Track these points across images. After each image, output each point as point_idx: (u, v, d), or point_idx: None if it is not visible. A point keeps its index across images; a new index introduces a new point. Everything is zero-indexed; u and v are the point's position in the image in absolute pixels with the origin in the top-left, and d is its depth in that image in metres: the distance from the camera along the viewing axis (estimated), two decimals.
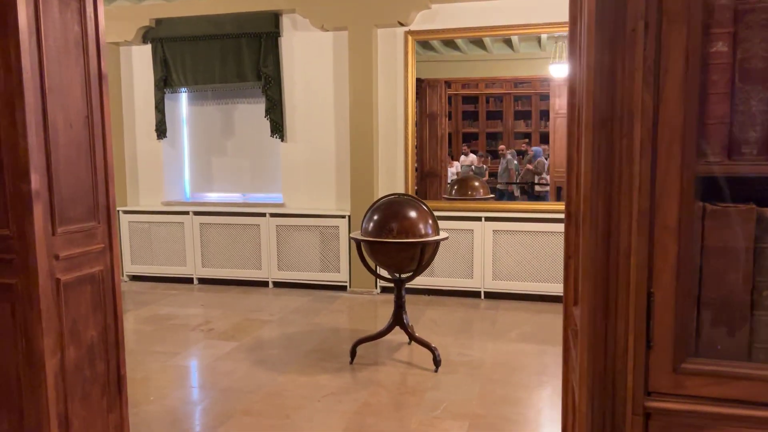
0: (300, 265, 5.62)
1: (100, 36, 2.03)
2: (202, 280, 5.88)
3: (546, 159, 6.26)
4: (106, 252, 2.08)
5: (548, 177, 6.34)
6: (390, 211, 3.56)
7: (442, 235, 3.59)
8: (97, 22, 2.02)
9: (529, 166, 6.22)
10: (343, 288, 5.51)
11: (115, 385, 2.13)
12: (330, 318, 4.68)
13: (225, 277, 5.82)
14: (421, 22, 5.21)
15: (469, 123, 6.76)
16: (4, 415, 1.86)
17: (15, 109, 1.74)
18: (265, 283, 5.73)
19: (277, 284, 5.70)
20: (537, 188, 6.38)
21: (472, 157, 6.38)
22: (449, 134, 6.37)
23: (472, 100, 6.70)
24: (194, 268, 5.87)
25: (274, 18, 5.58)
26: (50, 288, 1.83)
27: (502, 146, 6.50)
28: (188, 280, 5.88)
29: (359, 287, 5.43)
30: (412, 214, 3.52)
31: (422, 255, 3.49)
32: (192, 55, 5.80)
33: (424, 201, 3.69)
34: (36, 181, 1.78)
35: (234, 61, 5.72)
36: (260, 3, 5.50)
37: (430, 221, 3.55)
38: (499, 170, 6.35)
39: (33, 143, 1.77)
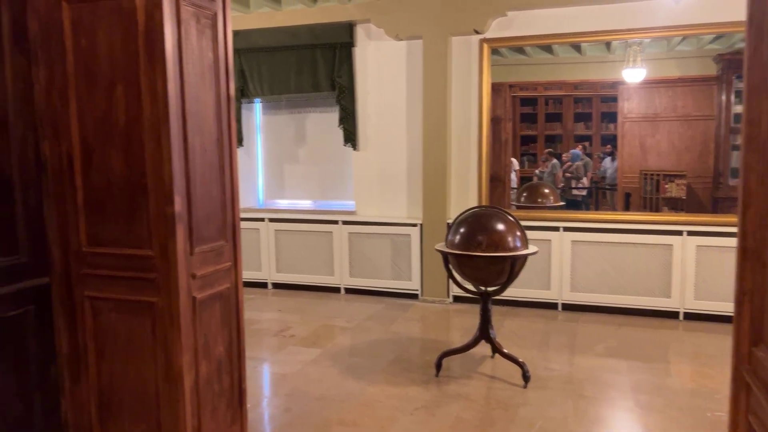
0: (372, 272, 5.67)
1: (228, 60, 2.10)
2: (277, 285, 6.00)
3: (583, 162, 6.22)
4: (232, 270, 2.15)
5: (586, 181, 6.25)
6: (477, 224, 3.54)
7: (532, 248, 3.55)
8: (227, 47, 2.09)
9: (566, 173, 6.20)
10: (414, 296, 5.52)
11: (238, 398, 2.19)
12: (406, 327, 4.70)
13: (298, 282, 5.92)
14: (496, 29, 5.17)
15: (527, 125, 6.67)
16: (143, 427, 1.94)
17: (161, 135, 1.82)
18: (337, 289, 5.80)
19: (349, 290, 5.76)
20: (574, 192, 6.29)
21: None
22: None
23: (531, 102, 6.61)
24: (269, 273, 5.99)
25: (349, 28, 5.64)
26: (188, 306, 1.91)
27: (547, 150, 6.42)
28: (263, 285, 6.01)
29: (431, 296, 5.43)
30: (500, 226, 3.49)
31: (512, 269, 3.46)
32: (268, 66, 5.92)
33: (510, 212, 3.65)
34: (179, 203, 1.85)
35: (309, 71, 5.81)
36: (335, 14, 5.58)
37: (518, 233, 3.52)
38: (545, 175, 6.28)
39: (176, 167, 1.84)
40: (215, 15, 2.03)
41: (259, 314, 5.11)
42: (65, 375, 1.97)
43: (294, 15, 5.69)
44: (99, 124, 1.88)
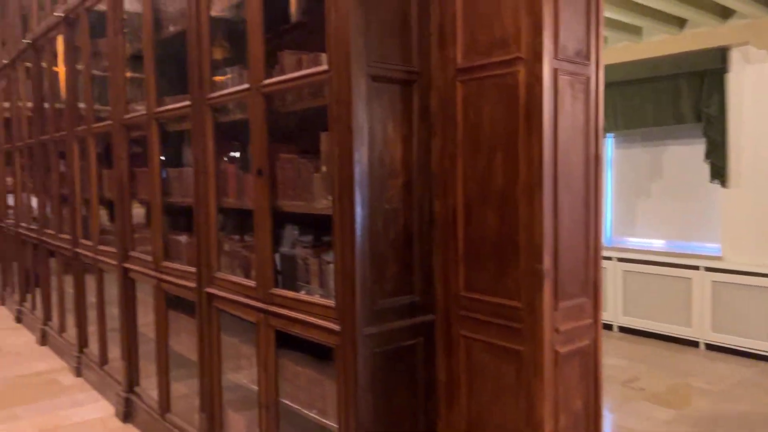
0: (742, 330, 4.90)
1: (599, 121, 2.14)
2: (623, 329, 5.70)
3: None
4: (592, 327, 2.16)
5: None
6: None
7: None
8: (598, 108, 2.14)
9: None
10: None
11: None
12: None
13: (648, 329, 5.51)
14: None
15: None
16: None
17: (534, 196, 1.96)
18: (694, 343, 5.19)
19: (711, 347, 5.10)
20: None
21: None
22: None
23: None
24: (615, 315, 5.74)
25: (721, 53, 5.06)
26: (551, 359, 2.00)
27: None
28: (608, 326, 5.79)
29: None
30: None
31: None
32: (623, 100, 5.73)
33: None
34: (547, 261, 1.96)
35: (670, 102, 5.41)
36: (705, 40, 5.08)
37: None
38: None
39: (547, 227, 1.96)
40: (588, 79, 2.10)
41: (604, 358, 4.93)
42: (442, 401, 2.27)
43: (655, 46, 5.39)
44: (479, 185, 2.13)
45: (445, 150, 2.23)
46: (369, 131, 2.05)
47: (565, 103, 2.02)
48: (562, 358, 2.05)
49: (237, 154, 3.05)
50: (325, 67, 2.09)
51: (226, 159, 2.88)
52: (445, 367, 2.27)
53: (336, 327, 2.10)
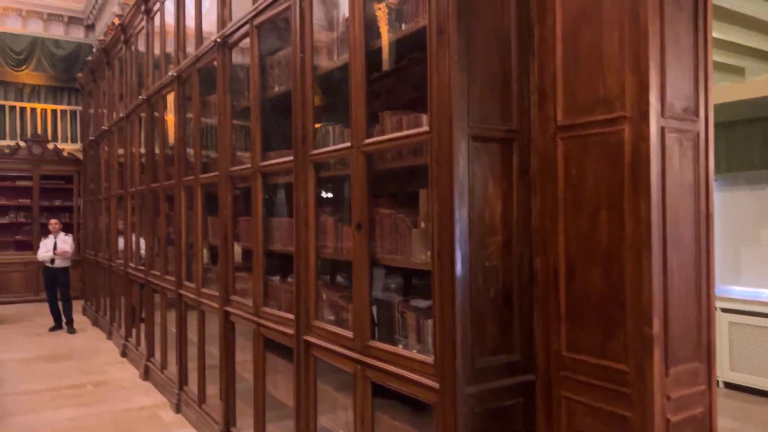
0: None
1: (709, 179, 2.07)
2: (730, 385, 5.30)
3: None
4: (706, 393, 2.05)
5: None
6: None
7: None
8: (708, 165, 2.07)
9: None
10: None
11: None
12: None
13: (758, 386, 5.09)
14: None
15: None
16: None
17: (641, 256, 1.91)
18: None
19: None
20: None
21: None
22: None
23: None
24: (720, 370, 5.35)
25: None
26: (662, 427, 1.90)
27: None
28: None
29: None
30: None
31: None
32: (726, 141, 5.46)
33: None
34: (656, 325, 1.89)
35: None
36: None
37: None
38: None
39: (656, 288, 1.89)
40: (697, 135, 2.04)
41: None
42: None
43: (759, 85, 5.12)
44: (582, 243, 2.09)
45: (545, 207, 2.22)
46: (469, 190, 2.08)
47: (672, 161, 1.97)
48: (674, 426, 1.95)
49: (333, 205, 3.17)
50: (426, 128, 2.16)
51: (325, 211, 2.99)
52: (545, 429, 2.21)
53: (435, 384, 2.10)
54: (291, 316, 3.12)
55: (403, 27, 2.40)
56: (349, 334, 2.61)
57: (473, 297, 2.09)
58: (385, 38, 2.52)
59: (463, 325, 2.07)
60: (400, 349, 2.37)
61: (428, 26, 2.11)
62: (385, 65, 2.55)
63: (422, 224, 2.30)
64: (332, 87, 2.94)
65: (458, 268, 2.04)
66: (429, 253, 2.19)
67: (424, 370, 2.17)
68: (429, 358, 2.16)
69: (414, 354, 2.28)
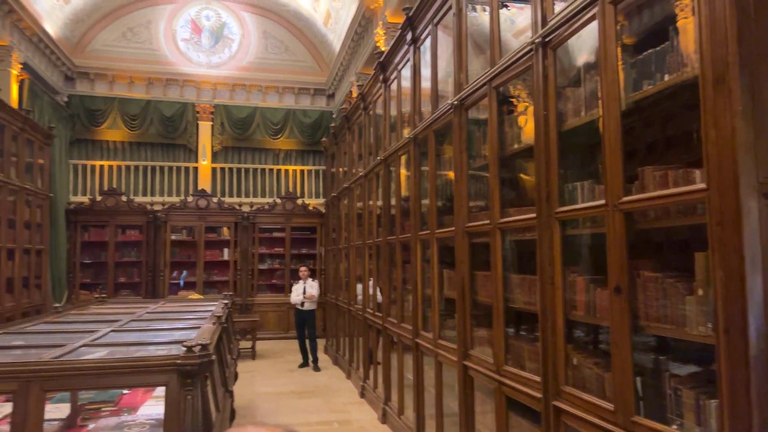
0: None
1: None
2: None
3: None
4: None
5: None
6: None
7: None
8: None
9: None
10: None
11: None
12: None
13: None
14: None
15: None
16: None
17: None
18: None
19: None
20: None
21: None
22: None
23: None
24: None
25: None
26: None
27: None
28: None
29: None
30: None
31: None
32: None
33: None
34: None
35: None
36: None
37: None
38: None
39: None
40: None
41: None
42: None
43: None
44: None
45: None
46: (762, 255, 1.81)
47: None
48: None
49: (583, 264, 3.02)
50: (702, 185, 1.96)
51: (573, 270, 2.87)
52: None
53: None
54: (537, 378, 3.01)
55: (666, 78, 2.23)
56: (609, 406, 2.42)
57: None
58: (642, 90, 2.37)
59: (759, 408, 1.78)
60: (674, 430, 2.12)
61: (701, 76, 1.94)
62: (642, 119, 2.39)
63: (700, 291, 2.06)
64: (578, 143, 2.86)
65: (752, 346, 1.78)
66: (709, 325, 1.95)
67: None
68: None
69: None
